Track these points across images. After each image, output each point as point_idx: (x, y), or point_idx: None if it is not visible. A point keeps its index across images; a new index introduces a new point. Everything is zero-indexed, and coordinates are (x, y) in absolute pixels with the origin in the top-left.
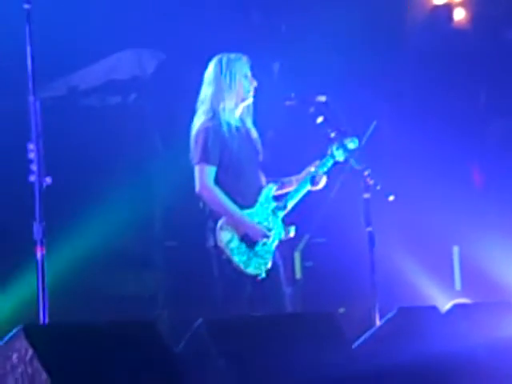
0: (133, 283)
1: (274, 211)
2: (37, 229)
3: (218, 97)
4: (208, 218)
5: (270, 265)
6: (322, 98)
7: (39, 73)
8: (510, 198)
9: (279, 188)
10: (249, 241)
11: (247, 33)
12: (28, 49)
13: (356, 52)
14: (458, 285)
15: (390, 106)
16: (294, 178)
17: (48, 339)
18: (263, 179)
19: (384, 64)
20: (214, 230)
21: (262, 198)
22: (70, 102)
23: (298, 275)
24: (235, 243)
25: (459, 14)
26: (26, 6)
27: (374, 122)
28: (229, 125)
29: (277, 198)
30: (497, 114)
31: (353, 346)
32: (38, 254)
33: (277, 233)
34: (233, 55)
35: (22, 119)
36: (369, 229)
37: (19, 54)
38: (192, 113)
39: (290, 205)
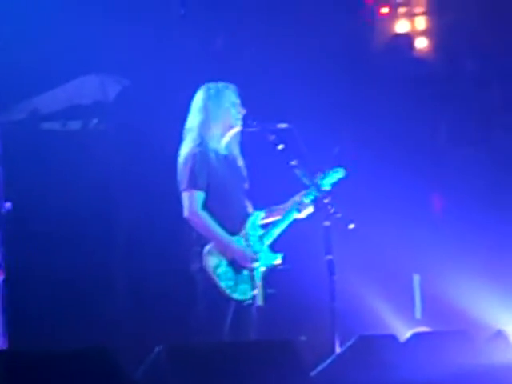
0: (95, 308)
1: (261, 238)
2: None
3: (205, 125)
4: (194, 242)
5: (256, 291)
6: (283, 126)
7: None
8: (469, 226)
9: (266, 216)
10: (237, 266)
11: (210, 59)
12: None
13: (318, 79)
14: (418, 313)
15: (350, 133)
16: (281, 207)
17: (6, 366)
18: (250, 207)
19: (345, 91)
20: (200, 255)
21: (248, 225)
22: (30, 126)
23: (260, 302)
24: (222, 268)
25: (421, 43)
26: None
27: (337, 148)
28: (216, 152)
29: (263, 226)
30: (456, 142)
31: (312, 374)
32: None
33: (263, 260)
34: (221, 84)
35: None
36: (329, 257)
37: None
38: (154, 138)
39: (276, 232)
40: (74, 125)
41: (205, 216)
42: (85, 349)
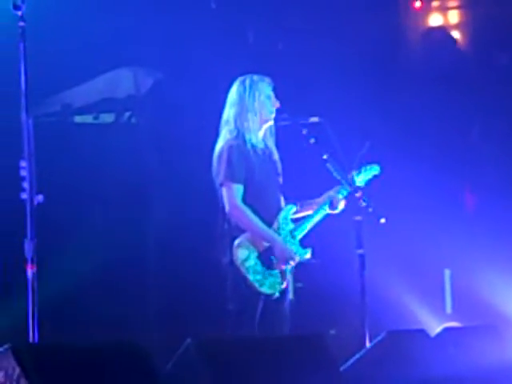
0: (124, 303)
1: (292, 233)
2: (28, 246)
3: (241, 117)
4: (225, 235)
5: (284, 285)
6: (315, 119)
7: (33, 90)
8: (500, 223)
9: (298, 211)
10: (266, 260)
11: (242, 53)
12: (22, 66)
13: (351, 73)
14: (448, 308)
15: (383, 129)
16: (314, 201)
17: (36, 358)
18: (282, 201)
19: (378, 86)
20: (230, 248)
21: (280, 219)
22: (63, 120)
23: (291, 296)
24: (251, 262)
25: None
26: (21, 24)
27: (368, 143)
28: (253, 145)
29: (295, 220)
30: (489, 140)
31: (341, 369)
32: (29, 272)
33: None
34: (256, 76)
35: (14, 136)
36: (360, 251)
37: (12, 72)
38: (186, 131)
39: (308, 227)
40: (107, 118)
41: (246, 209)
42: (115, 342)
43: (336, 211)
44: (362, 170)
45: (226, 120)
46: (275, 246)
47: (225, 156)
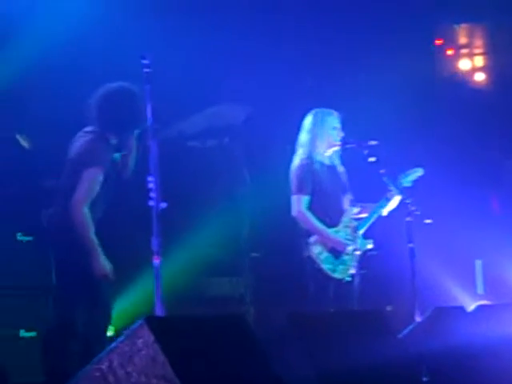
0: (226, 286)
1: (356, 228)
2: (154, 242)
3: (312, 143)
4: (304, 234)
5: (353, 270)
6: (374, 143)
7: (156, 121)
8: None
9: (360, 212)
10: (335, 252)
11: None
12: (148, 103)
13: (400, 105)
14: (480, 290)
15: (424, 147)
16: (371, 205)
17: (165, 328)
18: (347, 204)
19: (421, 115)
20: (307, 244)
21: (345, 219)
22: (179, 144)
23: (357, 280)
24: (324, 254)
25: (480, 77)
26: (146, 70)
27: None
28: (320, 163)
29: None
30: (508, 155)
31: (398, 337)
32: (155, 263)
33: (358, 245)
34: (326, 110)
35: (143, 157)
36: (410, 245)
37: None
38: (271, 152)
39: (368, 224)
40: (211, 143)
41: (309, 214)
42: (226, 316)
43: (392, 206)
44: (409, 172)
45: (300, 143)
46: (331, 239)
47: (297, 172)
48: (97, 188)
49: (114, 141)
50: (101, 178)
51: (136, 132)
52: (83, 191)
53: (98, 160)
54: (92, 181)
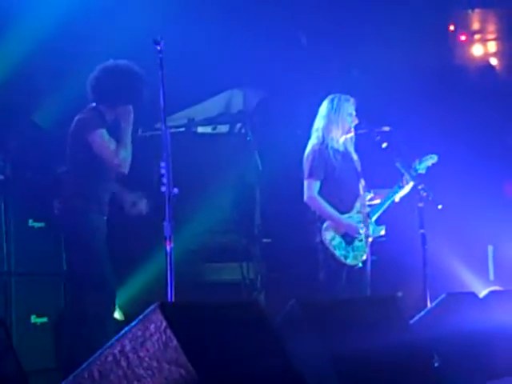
0: (237, 272)
1: (369, 214)
2: (167, 228)
3: (327, 128)
4: (316, 219)
5: (365, 257)
6: (386, 128)
7: (168, 107)
8: None
9: (373, 198)
10: (348, 238)
11: (327, 76)
12: (160, 89)
13: (414, 91)
14: (491, 276)
15: (438, 133)
16: (384, 191)
17: (178, 313)
18: (361, 189)
19: (434, 99)
20: (319, 230)
21: (358, 204)
22: (189, 130)
23: (368, 266)
24: (337, 240)
25: (492, 63)
26: (160, 56)
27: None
28: (334, 150)
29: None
30: None
31: (410, 322)
32: (168, 248)
33: (371, 231)
34: (343, 96)
35: (155, 144)
36: (422, 231)
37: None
38: (284, 137)
39: (380, 210)
40: (222, 129)
41: (319, 199)
42: (239, 301)
43: (405, 191)
44: (423, 159)
45: (316, 128)
46: (343, 224)
47: (310, 157)
48: (112, 145)
49: (109, 116)
50: (107, 135)
51: (131, 111)
52: (102, 148)
53: (95, 124)
54: (101, 137)
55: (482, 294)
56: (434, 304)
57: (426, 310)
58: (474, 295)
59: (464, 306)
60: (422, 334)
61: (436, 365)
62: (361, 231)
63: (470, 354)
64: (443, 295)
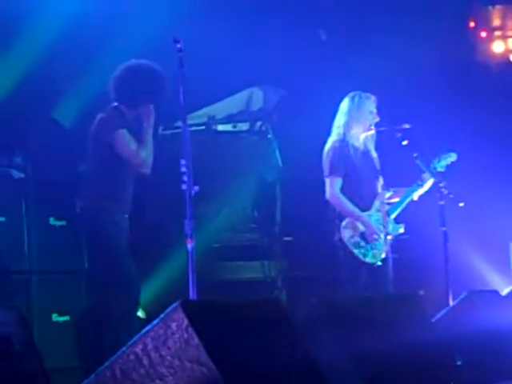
0: (258, 270)
1: (388, 212)
2: (187, 226)
3: (348, 125)
4: (336, 217)
5: (384, 255)
6: (407, 126)
7: (188, 105)
8: None
9: (392, 196)
10: (366, 237)
11: (346, 73)
12: (181, 88)
13: (435, 88)
14: None
15: (459, 131)
16: (404, 189)
17: (200, 312)
18: (380, 188)
19: (455, 96)
20: (339, 228)
21: (377, 203)
22: (209, 128)
23: (389, 264)
24: (356, 239)
25: None
26: (180, 54)
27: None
28: (354, 147)
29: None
30: None
31: (432, 320)
32: (189, 246)
33: (390, 229)
34: (364, 94)
35: (176, 141)
36: (443, 228)
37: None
38: (303, 135)
39: (399, 208)
40: (243, 127)
41: (341, 197)
42: (263, 300)
43: (425, 188)
44: (442, 157)
45: (336, 125)
46: (363, 223)
47: (330, 154)
48: (133, 145)
49: (130, 116)
50: (128, 135)
51: (153, 111)
52: (123, 148)
53: (117, 124)
54: (122, 137)
55: (505, 291)
56: (455, 302)
57: (447, 308)
58: (496, 293)
59: (486, 304)
60: (444, 332)
61: (458, 363)
62: (376, 237)
63: (492, 352)
64: (465, 293)
